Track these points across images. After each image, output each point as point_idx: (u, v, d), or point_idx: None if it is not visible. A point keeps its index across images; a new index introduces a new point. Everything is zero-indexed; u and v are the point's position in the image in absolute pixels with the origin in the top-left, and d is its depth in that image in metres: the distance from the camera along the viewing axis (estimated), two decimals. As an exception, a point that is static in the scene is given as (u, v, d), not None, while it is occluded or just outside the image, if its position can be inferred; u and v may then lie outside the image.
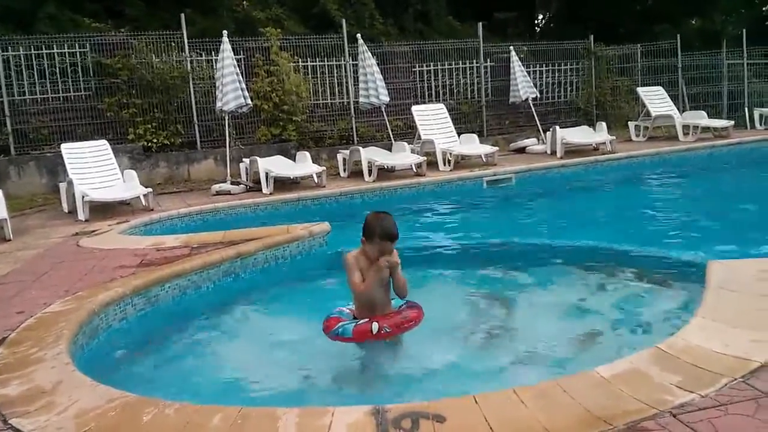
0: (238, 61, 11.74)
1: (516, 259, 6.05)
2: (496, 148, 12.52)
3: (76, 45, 12.18)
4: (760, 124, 15.59)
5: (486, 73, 15.78)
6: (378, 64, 13.12)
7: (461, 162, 12.27)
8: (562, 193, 10.66)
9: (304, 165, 11.00)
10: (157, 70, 12.33)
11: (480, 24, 15.71)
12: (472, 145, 12.42)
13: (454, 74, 15.65)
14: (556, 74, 16.84)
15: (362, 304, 3.93)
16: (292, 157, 11.67)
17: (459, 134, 12.88)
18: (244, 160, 11.60)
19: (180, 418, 2.69)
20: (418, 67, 15.34)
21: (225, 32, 11.32)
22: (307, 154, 11.38)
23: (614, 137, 12.95)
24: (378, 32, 17.38)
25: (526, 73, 14.81)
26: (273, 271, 5.95)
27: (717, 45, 18.34)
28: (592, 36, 17.04)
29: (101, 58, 12.29)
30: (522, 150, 14.03)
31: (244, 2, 17.21)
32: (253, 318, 5.05)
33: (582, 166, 11.73)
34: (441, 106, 13.43)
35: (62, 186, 9.72)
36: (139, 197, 9.17)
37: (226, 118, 11.46)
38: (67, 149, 9.88)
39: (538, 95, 15.47)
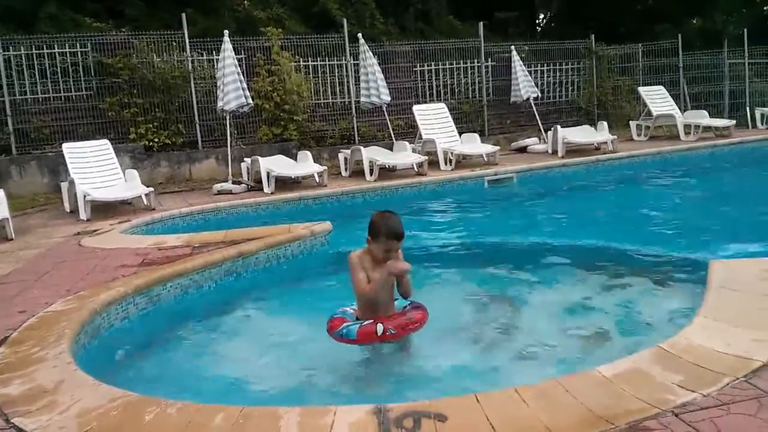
0: (239, 60, 11.74)
1: (517, 258, 6.05)
2: (498, 147, 12.52)
3: (77, 45, 12.19)
4: (762, 124, 15.59)
5: (487, 72, 15.78)
6: (379, 64, 13.13)
7: (462, 161, 12.26)
8: (563, 192, 10.66)
9: (305, 164, 11.00)
10: (158, 70, 12.34)
11: (481, 23, 15.72)
12: (473, 145, 12.42)
13: (456, 74, 15.65)
14: (558, 74, 16.84)
15: (366, 305, 3.89)
16: (294, 157, 11.67)
17: (460, 134, 12.88)
18: (245, 159, 11.61)
19: (182, 417, 2.69)
20: (419, 66, 15.34)
21: (226, 32, 11.32)
22: (309, 153, 11.38)
23: (615, 137, 12.94)
24: (379, 32, 17.39)
25: (527, 73, 14.81)
26: (274, 270, 5.96)
27: (718, 44, 18.32)
28: (593, 35, 17.03)
29: (102, 58, 12.30)
30: (523, 149, 14.03)
31: (245, 2, 17.22)
32: (254, 317, 5.05)
33: (583, 166, 11.73)
34: (442, 105, 13.44)
35: (64, 185, 9.72)
36: (140, 197, 9.18)
37: (228, 117, 11.46)
38: (69, 149, 9.89)
39: (540, 95, 15.48)
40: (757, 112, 15.79)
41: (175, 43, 12.66)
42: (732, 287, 3.82)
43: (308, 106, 13.65)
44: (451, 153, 11.76)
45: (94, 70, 12.37)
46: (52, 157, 11.30)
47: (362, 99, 13.07)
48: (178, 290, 5.09)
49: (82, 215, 8.73)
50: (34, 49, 11.91)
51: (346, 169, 11.87)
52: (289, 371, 3.96)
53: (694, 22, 26.28)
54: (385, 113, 13.21)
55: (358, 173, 11.44)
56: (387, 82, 13.11)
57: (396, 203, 9.29)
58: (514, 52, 14.61)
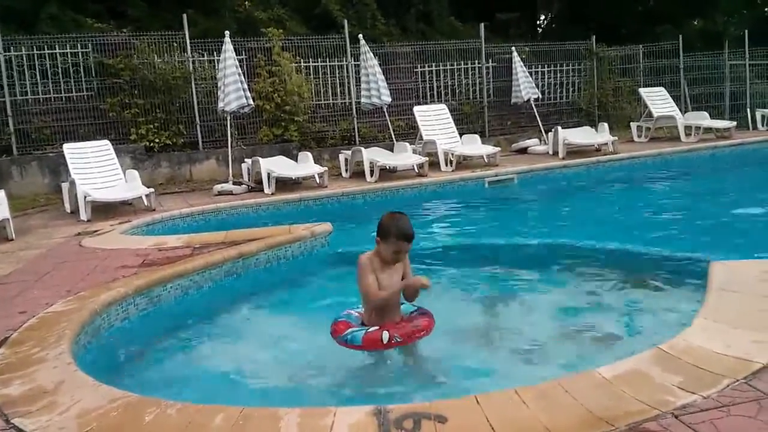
0: (240, 61, 11.74)
1: (518, 259, 6.05)
2: (498, 148, 12.52)
3: (79, 45, 12.19)
4: (762, 125, 15.57)
5: (488, 73, 15.77)
6: (380, 65, 13.13)
7: (463, 162, 12.26)
8: (563, 193, 10.66)
9: (305, 165, 11.01)
10: (159, 71, 12.35)
11: (482, 24, 15.73)
12: (474, 146, 12.42)
13: (456, 75, 15.65)
14: (558, 75, 16.83)
15: (373, 310, 3.86)
16: (294, 158, 11.67)
17: (461, 135, 12.88)
18: (246, 160, 11.61)
19: (182, 418, 2.69)
20: (420, 67, 15.34)
21: (227, 32, 11.33)
22: (309, 154, 11.38)
23: (616, 138, 12.93)
24: (380, 33, 17.39)
25: (528, 74, 14.80)
26: (275, 271, 5.96)
27: (719, 46, 18.33)
28: (594, 37, 17.03)
29: (103, 59, 12.30)
30: (524, 150, 14.03)
31: (246, 3, 17.21)
32: (254, 318, 5.05)
33: (584, 167, 11.73)
34: (443, 106, 13.44)
35: (64, 186, 9.72)
36: (141, 197, 9.18)
37: (228, 118, 11.46)
38: (70, 149, 9.89)
39: (540, 96, 15.46)
40: (758, 114, 15.78)
41: (176, 44, 12.66)
42: (732, 289, 3.82)
43: (309, 107, 13.65)
44: (452, 154, 11.76)
45: (95, 71, 12.38)
46: (52, 157, 11.31)
47: (363, 100, 13.07)
48: (179, 291, 5.10)
49: (83, 216, 8.73)
50: (35, 49, 11.91)
51: (346, 170, 11.87)
52: (289, 372, 3.96)
53: (695, 23, 26.27)
54: (386, 114, 13.21)
55: (358, 174, 11.44)
56: (388, 83, 13.10)
57: (396, 204, 9.26)
58: (515, 53, 14.61)
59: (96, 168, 9.87)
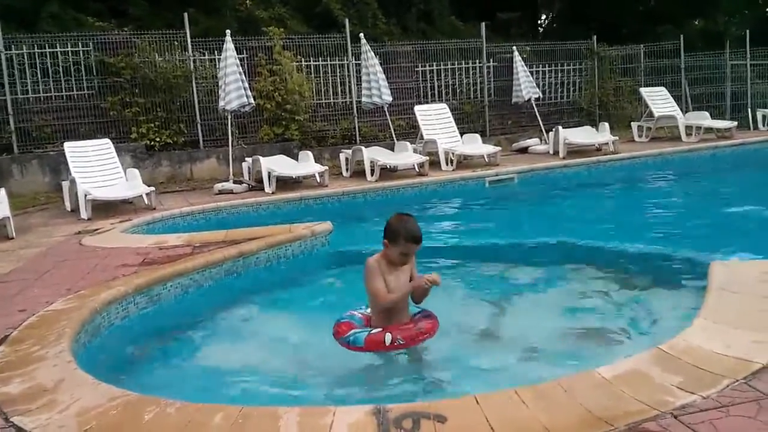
0: (241, 60, 11.73)
1: (518, 258, 6.05)
2: (499, 148, 12.51)
3: (80, 44, 12.20)
4: (763, 125, 15.57)
5: (489, 73, 15.77)
6: (381, 64, 13.13)
7: (464, 162, 12.26)
8: (564, 193, 10.65)
9: (306, 164, 11.00)
10: (160, 69, 12.35)
11: (483, 24, 15.73)
12: (474, 145, 12.42)
13: (457, 74, 15.65)
14: (559, 74, 16.83)
15: (381, 313, 3.84)
16: (295, 157, 11.67)
17: (461, 134, 12.88)
18: (246, 159, 11.61)
19: (181, 416, 2.69)
20: (421, 66, 15.35)
21: (228, 31, 11.32)
22: (310, 153, 11.38)
23: (617, 138, 12.93)
24: (381, 32, 17.39)
25: (528, 74, 14.80)
26: (275, 270, 5.96)
27: (720, 46, 18.32)
28: (595, 36, 17.03)
29: (104, 57, 12.31)
30: (524, 150, 14.03)
31: (247, 2, 17.23)
32: (254, 317, 5.05)
33: (584, 167, 11.73)
34: (444, 106, 13.44)
35: (65, 184, 9.73)
36: (141, 196, 9.18)
37: (229, 117, 11.46)
38: (70, 148, 9.89)
39: (541, 95, 15.44)
40: (759, 114, 15.78)
41: (177, 43, 12.66)
42: (732, 289, 3.82)
43: (310, 106, 13.66)
44: (453, 153, 11.76)
45: (96, 70, 12.38)
46: (53, 156, 11.32)
47: (364, 99, 13.07)
48: (179, 290, 5.09)
49: (83, 214, 8.73)
50: (36, 48, 11.92)
51: (347, 169, 11.87)
52: (288, 371, 3.96)
53: (696, 23, 26.28)
54: (387, 113, 13.21)
55: (359, 173, 11.44)
56: (388, 83, 13.10)
57: (397, 203, 9.30)
58: (516, 53, 14.61)
59: (96, 166, 9.87)
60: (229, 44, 11.11)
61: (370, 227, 8.51)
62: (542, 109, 15.20)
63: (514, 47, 14.83)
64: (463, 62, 15.61)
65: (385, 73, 13.11)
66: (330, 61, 14.13)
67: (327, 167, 11.00)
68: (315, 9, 17.68)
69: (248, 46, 13.15)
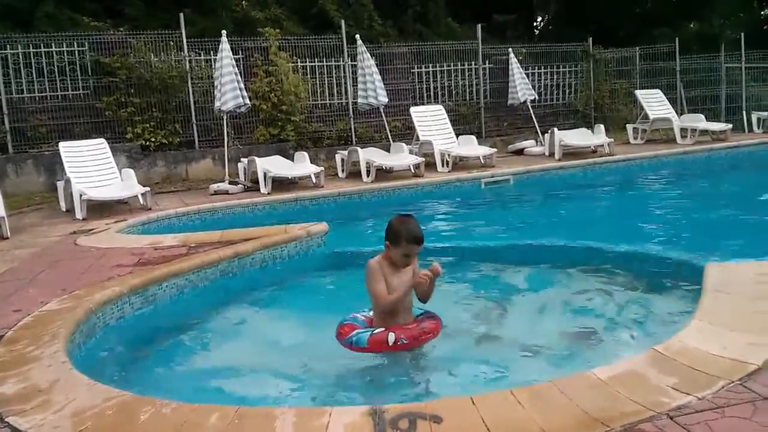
0: (236, 61, 11.74)
1: (513, 260, 6.04)
2: (495, 149, 12.54)
3: (75, 44, 12.18)
4: (758, 128, 15.64)
5: (485, 74, 15.79)
6: (377, 65, 13.13)
7: (459, 163, 12.28)
8: (559, 195, 10.67)
9: (302, 165, 11.00)
10: (155, 70, 12.34)
11: (479, 26, 15.74)
12: (470, 147, 12.44)
13: (453, 76, 15.66)
14: (555, 76, 16.86)
15: (384, 315, 3.82)
16: (291, 158, 11.67)
17: (457, 135, 12.90)
18: (242, 159, 11.60)
19: (177, 417, 2.68)
20: (417, 68, 15.36)
21: (224, 32, 11.33)
22: (306, 154, 11.38)
23: (612, 140, 12.97)
24: (377, 33, 17.40)
25: (524, 75, 14.84)
26: (270, 270, 5.95)
27: (715, 48, 18.38)
28: (590, 38, 17.05)
29: (100, 57, 12.29)
30: (520, 152, 14.05)
31: (243, 2, 17.20)
32: (250, 318, 5.04)
33: (580, 168, 11.76)
34: (439, 107, 13.45)
35: (60, 184, 9.71)
36: (137, 196, 9.16)
37: (225, 117, 11.46)
38: (65, 148, 9.87)
39: (537, 97, 15.49)
40: (754, 116, 15.85)
41: (172, 43, 12.65)
42: (728, 290, 3.83)
43: (305, 106, 13.66)
44: (448, 155, 11.78)
45: (92, 70, 12.36)
46: (48, 155, 11.29)
47: (360, 100, 13.07)
48: (174, 290, 5.09)
49: (78, 214, 8.71)
50: (31, 47, 11.89)
51: (342, 170, 11.87)
52: (284, 371, 3.94)
53: (692, 26, 26.33)
54: (383, 114, 13.21)
55: (355, 174, 11.44)
56: (384, 84, 13.11)
57: (393, 204, 9.32)
58: (512, 55, 14.64)
59: (92, 167, 9.85)
60: (225, 45, 11.11)
61: (366, 228, 8.52)
62: (538, 111, 15.22)
63: (510, 49, 14.86)
64: (459, 64, 15.63)
65: (381, 74, 13.11)
66: (326, 62, 14.13)
67: (323, 168, 11.00)
68: (311, 10, 17.68)
69: (244, 47, 13.14)
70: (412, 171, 11.20)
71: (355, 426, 2.52)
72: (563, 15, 26.39)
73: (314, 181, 10.58)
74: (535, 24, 28.82)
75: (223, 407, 2.73)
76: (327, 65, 14.15)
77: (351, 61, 13.91)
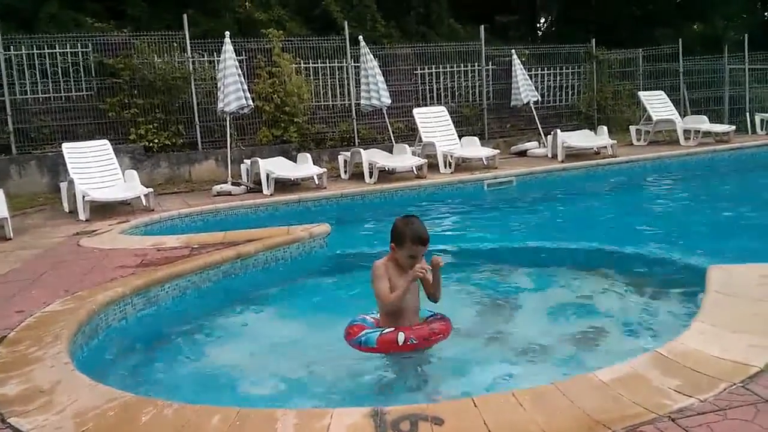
0: (240, 62, 11.74)
1: (516, 261, 6.05)
2: (497, 151, 12.52)
3: (78, 45, 12.19)
4: (762, 129, 15.62)
5: (487, 76, 15.78)
6: (380, 66, 13.14)
7: (462, 165, 12.27)
8: (562, 196, 10.66)
9: (305, 166, 11.01)
10: (158, 71, 12.36)
11: (482, 27, 15.74)
12: (473, 148, 12.43)
13: (456, 77, 15.65)
14: (558, 78, 16.84)
15: (389, 314, 3.80)
16: (293, 159, 11.67)
17: (460, 137, 12.89)
18: (245, 161, 11.61)
19: (178, 418, 2.69)
20: (420, 69, 15.35)
21: (227, 33, 11.34)
22: (308, 155, 11.38)
23: (615, 141, 12.96)
24: (380, 34, 17.38)
25: (527, 77, 14.82)
26: (273, 272, 5.96)
27: (718, 50, 18.35)
28: (593, 40, 17.04)
29: (103, 58, 12.30)
30: (523, 153, 14.05)
31: (247, 3, 17.22)
32: (252, 319, 5.04)
33: (583, 170, 11.75)
34: (442, 108, 13.45)
35: (63, 185, 9.73)
36: (139, 197, 9.18)
37: (228, 119, 11.47)
38: (69, 149, 9.89)
39: (540, 99, 15.46)
40: (757, 118, 15.83)
41: (176, 44, 12.67)
42: (730, 293, 3.82)
43: (308, 108, 13.67)
44: (451, 156, 11.77)
45: (95, 71, 12.38)
46: (51, 157, 11.31)
47: (362, 101, 13.08)
48: (177, 291, 5.10)
49: (81, 215, 8.73)
50: (34, 48, 11.91)
51: (345, 172, 11.88)
52: (286, 373, 3.94)
53: (695, 27, 26.29)
54: (385, 116, 13.22)
55: (357, 176, 11.44)
56: (387, 85, 13.12)
57: (395, 206, 9.32)
58: (515, 56, 14.62)
59: (95, 168, 9.87)
60: (228, 46, 11.12)
61: (369, 229, 8.52)
62: (541, 113, 15.20)
63: (513, 50, 14.84)
64: (462, 65, 15.62)
65: (384, 75, 13.14)
66: (329, 63, 14.13)
67: (325, 169, 11.01)
68: (314, 11, 17.69)
69: (247, 48, 13.16)
70: (415, 172, 11.20)
71: (356, 427, 2.53)
72: (566, 16, 26.35)
73: (317, 182, 10.59)
74: (537, 25, 28.78)
75: (225, 408, 2.73)
76: (330, 66, 14.15)
77: (354, 62, 13.92)
